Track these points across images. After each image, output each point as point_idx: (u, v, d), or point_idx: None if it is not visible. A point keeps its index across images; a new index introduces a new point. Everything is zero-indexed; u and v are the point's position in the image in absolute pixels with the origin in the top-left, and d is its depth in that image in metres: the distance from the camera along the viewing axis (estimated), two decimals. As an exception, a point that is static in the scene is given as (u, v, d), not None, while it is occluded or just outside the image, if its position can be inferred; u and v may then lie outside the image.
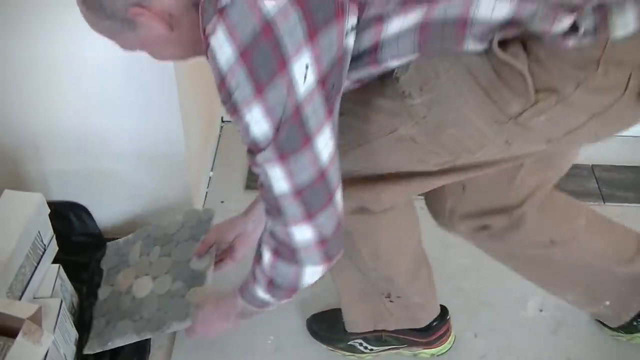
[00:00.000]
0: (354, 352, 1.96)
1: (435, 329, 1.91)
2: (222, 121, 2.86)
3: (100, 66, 1.82)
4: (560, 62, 1.24)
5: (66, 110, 1.95)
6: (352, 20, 1.19)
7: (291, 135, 1.20)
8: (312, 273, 1.41)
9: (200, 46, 1.23)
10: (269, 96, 1.16)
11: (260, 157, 1.24)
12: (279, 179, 1.26)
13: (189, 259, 2.00)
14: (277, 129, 1.19)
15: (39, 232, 1.78)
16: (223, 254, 1.98)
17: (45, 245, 1.83)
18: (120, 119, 1.96)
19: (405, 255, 1.73)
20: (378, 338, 1.93)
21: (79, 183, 2.17)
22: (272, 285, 1.46)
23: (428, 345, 1.94)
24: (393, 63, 1.32)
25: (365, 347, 1.94)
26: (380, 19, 1.22)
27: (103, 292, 2.07)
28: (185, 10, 1.26)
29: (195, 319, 1.84)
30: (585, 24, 1.17)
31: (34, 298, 1.78)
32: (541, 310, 2.10)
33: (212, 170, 2.63)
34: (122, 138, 2.02)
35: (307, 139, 1.22)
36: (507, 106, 1.30)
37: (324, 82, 1.19)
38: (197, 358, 1.97)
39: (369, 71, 1.33)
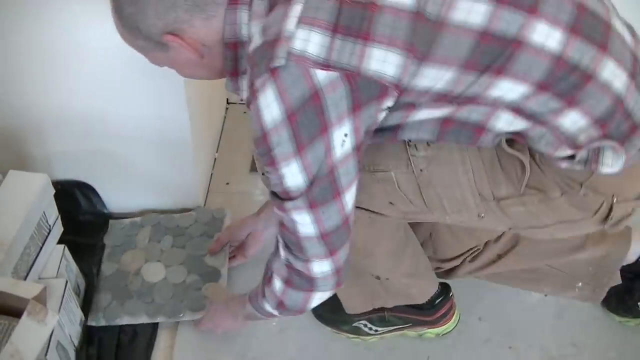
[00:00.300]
0: (358, 334, 1.96)
1: (438, 306, 1.91)
2: (228, 103, 2.85)
3: (105, 50, 1.80)
4: (554, 171, 1.43)
5: (71, 94, 1.95)
6: (389, 102, 1.25)
7: (324, 190, 1.29)
8: (321, 297, 1.52)
9: (227, 72, 1.38)
10: (308, 155, 1.24)
11: (289, 204, 1.31)
12: (305, 224, 1.34)
13: (203, 254, 2.14)
14: (311, 183, 1.27)
15: (44, 212, 1.78)
16: (235, 251, 2.13)
17: (50, 225, 1.83)
18: (125, 102, 1.96)
19: (383, 245, 1.73)
20: (382, 318, 1.93)
21: (83, 166, 2.17)
22: (281, 306, 1.56)
23: (432, 324, 1.94)
24: (410, 138, 1.44)
25: (370, 329, 1.94)
26: (412, 106, 1.29)
27: (107, 268, 2.13)
28: (217, 43, 1.33)
29: (206, 314, 1.95)
30: (580, 156, 1.34)
31: (39, 279, 1.79)
32: (546, 295, 2.09)
33: (217, 152, 2.62)
34: (127, 121, 2.01)
35: (337, 194, 1.30)
36: (497, 187, 1.48)
37: (359, 148, 1.28)
38: (202, 339, 1.97)
39: (385, 140, 1.41)
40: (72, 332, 1.82)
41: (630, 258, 1.87)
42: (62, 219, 1.91)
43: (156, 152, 2.12)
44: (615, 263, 1.90)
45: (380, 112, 1.27)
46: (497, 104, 1.28)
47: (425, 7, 1.19)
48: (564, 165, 1.38)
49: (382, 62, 1.18)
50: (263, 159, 1.29)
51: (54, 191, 1.83)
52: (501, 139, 1.39)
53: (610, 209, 1.47)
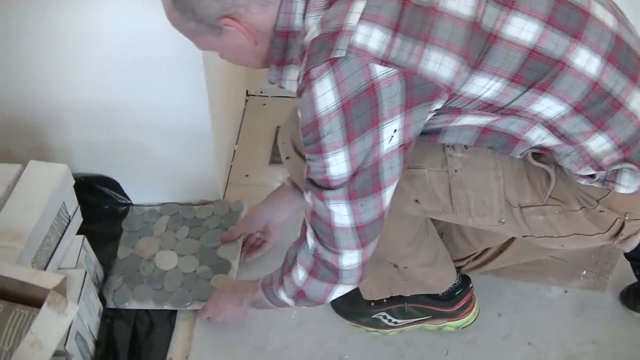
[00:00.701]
0: (378, 327, 1.95)
1: (458, 297, 1.91)
2: (247, 95, 2.84)
3: (126, 40, 1.81)
4: (575, 186, 1.50)
5: (91, 84, 1.94)
6: (438, 105, 1.31)
7: (365, 182, 1.32)
8: (342, 290, 1.55)
9: (273, 61, 1.42)
10: (357, 146, 1.27)
11: (329, 193, 1.34)
12: (342, 215, 1.37)
13: (216, 246, 2.16)
14: (355, 174, 1.31)
15: (63, 203, 1.79)
16: (257, 241, 2.16)
17: (70, 216, 1.83)
18: (145, 93, 1.96)
19: (403, 234, 1.74)
20: (401, 310, 1.92)
21: (103, 156, 2.17)
22: (300, 295, 1.58)
23: (452, 316, 1.94)
24: (448, 142, 1.50)
25: (390, 321, 1.93)
26: (459, 111, 1.36)
27: (122, 252, 2.17)
28: (269, 30, 1.36)
29: (210, 299, 1.96)
30: (600, 175, 1.45)
31: (59, 269, 1.79)
32: (566, 291, 2.08)
33: (236, 143, 2.62)
34: (147, 111, 2.01)
35: (378, 188, 1.34)
36: (522, 195, 1.54)
37: (407, 147, 1.32)
38: (220, 331, 1.97)
39: (424, 142, 1.46)
40: (90, 323, 1.83)
41: (632, 244, 1.87)
42: (83, 209, 1.91)
43: (177, 143, 2.12)
44: (615, 249, 1.89)
45: (429, 114, 1.31)
46: (536, 120, 1.35)
47: (482, 19, 1.26)
48: (584, 182, 1.48)
49: (439, 64, 1.23)
50: (309, 147, 1.31)
51: (74, 182, 1.84)
52: (527, 151, 1.47)
53: (622, 226, 1.53)
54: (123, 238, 2.21)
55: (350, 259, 1.45)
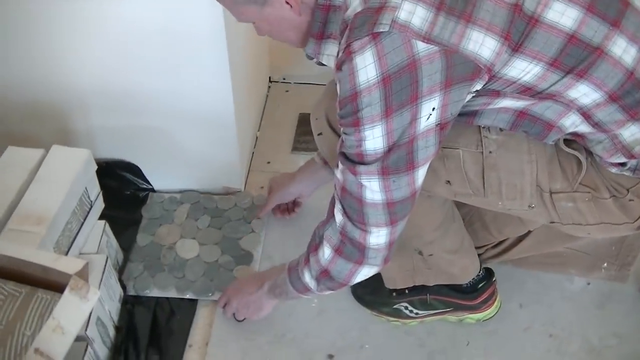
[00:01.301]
0: (399, 317, 1.94)
1: (481, 290, 1.91)
2: (270, 81, 2.84)
3: (150, 25, 1.80)
4: (605, 174, 1.52)
5: (115, 69, 1.94)
6: (478, 86, 1.33)
7: (399, 159, 1.33)
8: (367, 273, 1.56)
9: (312, 34, 1.42)
10: (394, 121, 1.28)
11: (362, 168, 1.36)
12: (374, 191, 1.38)
13: (238, 237, 2.17)
14: (390, 150, 1.32)
15: (86, 188, 1.79)
16: (289, 208, 2.25)
17: (92, 201, 1.83)
18: (168, 77, 1.95)
19: (430, 218, 1.74)
20: (423, 301, 1.92)
21: (126, 141, 2.18)
22: (325, 275, 1.58)
23: (474, 309, 1.93)
24: (484, 124, 1.52)
25: (411, 311, 1.92)
26: (497, 94, 1.38)
27: (142, 239, 2.17)
28: (312, 3, 1.38)
29: (231, 284, 1.96)
30: (631, 164, 1.47)
31: (80, 254, 1.80)
32: (588, 284, 2.07)
33: (258, 130, 2.62)
34: (170, 96, 2.01)
35: (412, 166, 1.35)
36: (553, 180, 1.55)
37: (443, 127, 1.33)
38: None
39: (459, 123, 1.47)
40: (111, 308, 1.83)
41: None
42: (104, 194, 1.91)
43: (199, 129, 2.12)
44: (637, 240, 1.94)
45: (468, 95, 1.32)
46: (571, 106, 1.36)
47: (524, 2, 1.27)
48: (614, 170, 1.50)
49: (480, 44, 1.26)
50: (346, 120, 1.32)
51: (96, 167, 1.83)
52: (560, 137, 1.48)
53: None
54: (143, 225, 2.22)
55: (378, 237, 1.46)
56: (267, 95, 2.79)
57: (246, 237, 2.18)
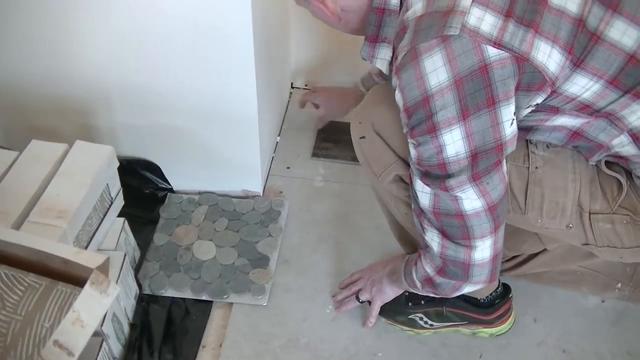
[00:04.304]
0: (413, 327, 1.93)
1: (497, 306, 1.89)
2: (292, 87, 2.85)
3: (178, 24, 1.81)
4: None
5: (140, 67, 1.95)
6: (539, 99, 1.34)
7: (486, 162, 1.34)
8: (470, 289, 1.60)
9: (367, 37, 1.45)
10: (472, 123, 1.28)
11: (452, 181, 1.36)
12: (472, 199, 1.39)
13: (255, 241, 2.18)
14: (475, 154, 1.32)
15: (107, 184, 1.79)
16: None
17: (112, 198, 1.84)
18: (193, 77, 1.96)
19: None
20: (439, 313, 1.91)
21: (147, 139, 2.18)
22: (429, 283, 1.62)
23: (488, 324, 1.92)
24: (537, 140, 1.53)
25: (425, 322, 1.92)
26: (556, 110, 1.39)
27: (159, 239, 2.18)
28: (358, 8, 1.41)
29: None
30: None
31: (99, 250, 1.80)
32: (603, 301, 2.06)
33: (279, 135, 2.62)
34: (193, 96, 2.01)
35: (499, 162, 1.37)
36: (593, 201, 1.54)
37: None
38: (255, 321, 1.97)
39: None
40: (127, 306, 1.83)
41: None
42: (123, 192, 1.92)
43: (222, 130, 2.12)
44: None
45: (527, 108, 1.33)
46: (623, 128, 1.37)
47: (588, 17, 1.28)
48: None
49: (548, 56, 1.27)
50: (419, 128, 1.31)
51: (118, 163, 1.84)
52: (603, 158, 1.51)
53: None
54: (160, 225, 2.22)
55: (482, 251, 1.47)
56: (289, 101, 2.80)
57: (263, 240, 2.18)
